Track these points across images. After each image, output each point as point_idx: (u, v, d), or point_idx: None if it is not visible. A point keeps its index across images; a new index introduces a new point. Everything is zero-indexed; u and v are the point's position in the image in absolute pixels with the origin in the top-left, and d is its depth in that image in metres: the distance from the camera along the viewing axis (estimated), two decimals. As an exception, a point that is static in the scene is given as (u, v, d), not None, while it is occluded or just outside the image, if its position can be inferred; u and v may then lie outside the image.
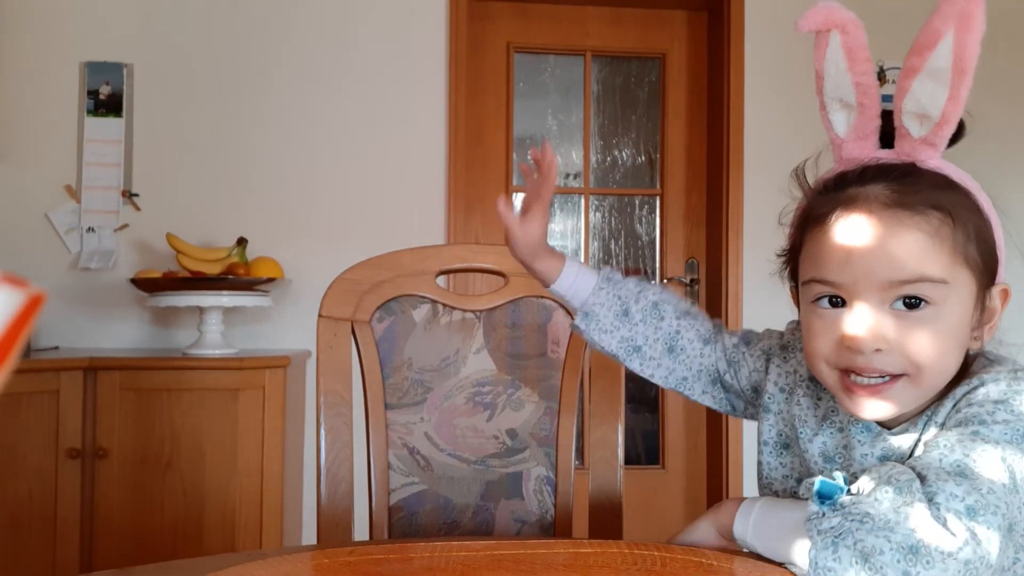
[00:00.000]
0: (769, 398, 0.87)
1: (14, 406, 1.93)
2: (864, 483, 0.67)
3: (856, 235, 0.71)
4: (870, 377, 0.72)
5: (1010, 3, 2.75)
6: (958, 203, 0.72)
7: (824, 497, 0.65)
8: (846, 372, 0.73)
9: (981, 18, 0.66)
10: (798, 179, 0.80)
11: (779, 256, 0.84)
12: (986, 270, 0.74)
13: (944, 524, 0.61)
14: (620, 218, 2.88)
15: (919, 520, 0.61)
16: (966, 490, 0.63)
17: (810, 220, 0.76)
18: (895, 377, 0.72)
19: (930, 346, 0.70)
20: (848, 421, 0.79)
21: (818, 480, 0.66)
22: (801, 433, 0.83)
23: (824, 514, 0.65)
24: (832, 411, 0.81)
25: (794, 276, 0.82)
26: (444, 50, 2.59)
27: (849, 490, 0.66)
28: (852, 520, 0.63)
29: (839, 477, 0.67)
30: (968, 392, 0.72)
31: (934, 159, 0.74)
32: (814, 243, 0.75)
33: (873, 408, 0.72)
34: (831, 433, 0.80)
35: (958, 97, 0.69)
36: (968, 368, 0.76)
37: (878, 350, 0.71)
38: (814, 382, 0.84)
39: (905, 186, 0.71)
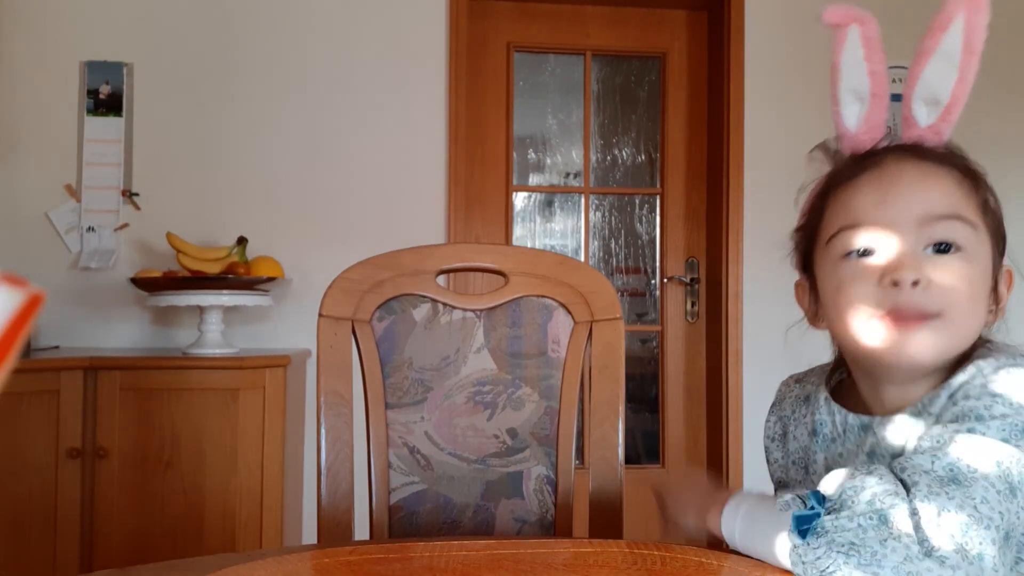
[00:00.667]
0: (767, 452, 0.90)
1: (14, 406, 1.93)
2: (843, 484, 0.64)
3: (890, 179, 0.73)
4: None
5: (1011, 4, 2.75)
6: (977, 171, 0.75)
7: (803, 525, 0.63)
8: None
9: (988, 2, 0.72)
10: (826, 150, 0.81)
11: (794, 233, 0.83)
12: (999, 241, 0.75)
13: (933, 552, 0.59)
14: (620, 217, 2.87)
15: (908, 550, 0.59)
16: (958, 503, 0.61)
17: (835, 183, 0.77)
18: (931, 317, 0.71)
19: (963, 286, 0.70)
20: (842, 426, 0.78)
21: (791, 516, 0.64)
22: (810, 457, 0.83)
23: (808, 544, 0.62)
24: (822, 424, 0.81)
25: (804, 265, 0.81)
26: (444, 50, 2.59)
27: (826, 505, 0.64)
28: (838, 553, 0.60)
29: (811, 498, 0.64)
30: (966, 382, 0.70)
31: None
32: (841, 200, 0.76)
33: (921, 341, 0.71)
34: (825, 445, 0.81)
35: (967, 79, 0.73)
36: (970, 355, 0.74)
37: (916, 282, 0.70)
38: (800, 408, 0.85)
39: (926, 149, 0.75)
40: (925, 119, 0.75)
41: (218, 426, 2.02)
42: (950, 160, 0.74)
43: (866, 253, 0.73)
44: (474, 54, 2.71)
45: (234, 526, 2.02)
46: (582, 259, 2.81)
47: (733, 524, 0.73)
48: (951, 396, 0.70)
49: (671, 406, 2.82)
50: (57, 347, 2.38)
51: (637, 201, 2.88)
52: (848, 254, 0.74)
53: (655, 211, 2.86)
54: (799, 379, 0.90)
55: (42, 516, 1.96)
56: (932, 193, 0.72)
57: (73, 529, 1.99)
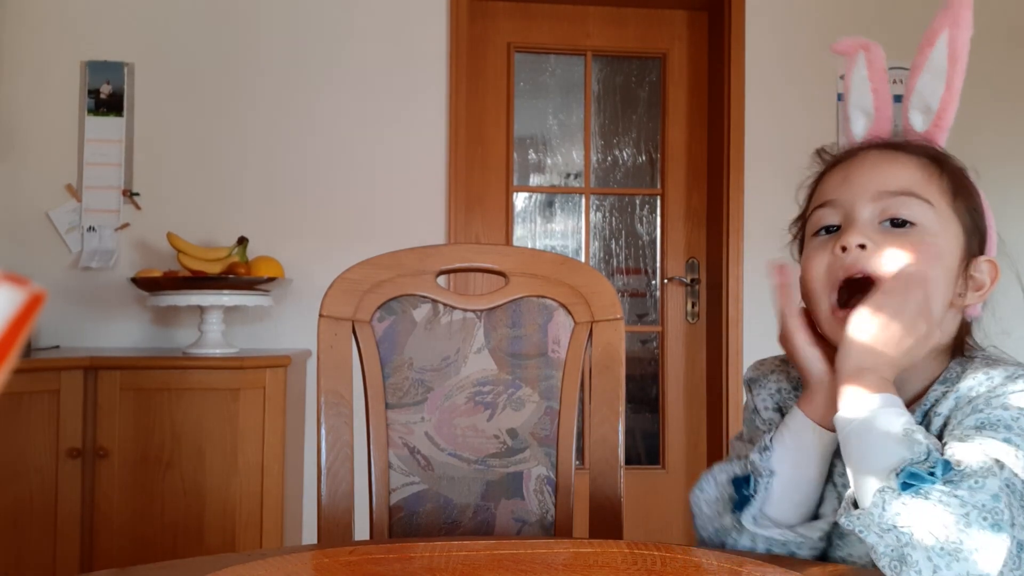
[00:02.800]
0: (756, 420, 0.90)
1: (14, 406, 1.93)
2: (971, 463, 0.63)
3: (855, 163, 0.81)
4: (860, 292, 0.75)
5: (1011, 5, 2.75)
6: (948, 161, 0.80)
7: (911, 478, 0.63)
8: (839, 297, 0.77)
9: (970, 18, 0.79)
10: (820, 155, 0.88)
11: (791, 225, 0.90)
12: (974, 229, 0.79)
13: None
14: (621, 218, 2.87)
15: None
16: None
17: (821, 176, 0.85)
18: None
19: (913, 256, 0.74)
20: None
21: (907, 467, 0.63)
22: None
23: (900, 496, 0.62)
24: None
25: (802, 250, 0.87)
26: (444, 50, 2.59)
27: (948, 475, 0.62)
28: (922, 530, 0.61)
29: (939, 465, 0.63)
30: (975, 388, 0.71)
31: None
32: (819, 186, 0.84)
33: None
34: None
35: (953, 87, 0.80)
36: (969, 361, 0.77)
37: (862, 246, 0.76)
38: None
39: (895, 140, 0.83)
40: (921, 126, 0.82)
41: (218, 426, 2.02)
42: (916, 148, 0.80)
43: (831, 229, 0.80)
44: (474, 54, 2.71)
45: (234, 526, 2.02)
46: (582, 260, 2.81)
47: (856, 408, 0.70)
48: (958, 400, 0.72)
49: (671, 406, 2.82)
50: (57, 347, 2.37)
51: (637, 201, 2.88)
52: (818, 232, 0.81)
53: (655, 211, 2.86)
54: (784, 359, 0.91)
55: (42, 516, 1.96)
56: (889, 172, 0.78)
57: (73, 529, 1.99)
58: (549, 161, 2.87)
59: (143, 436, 2.01)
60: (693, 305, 2.82)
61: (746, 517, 0.77)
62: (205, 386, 2.03)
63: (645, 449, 2.85)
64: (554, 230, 2.87)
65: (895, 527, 0.62)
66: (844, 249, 0.76)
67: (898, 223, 0.76)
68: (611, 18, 2.80)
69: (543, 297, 1.13)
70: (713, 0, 2.75)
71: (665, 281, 2.83)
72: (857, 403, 0.70)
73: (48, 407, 1.97)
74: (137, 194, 2.50)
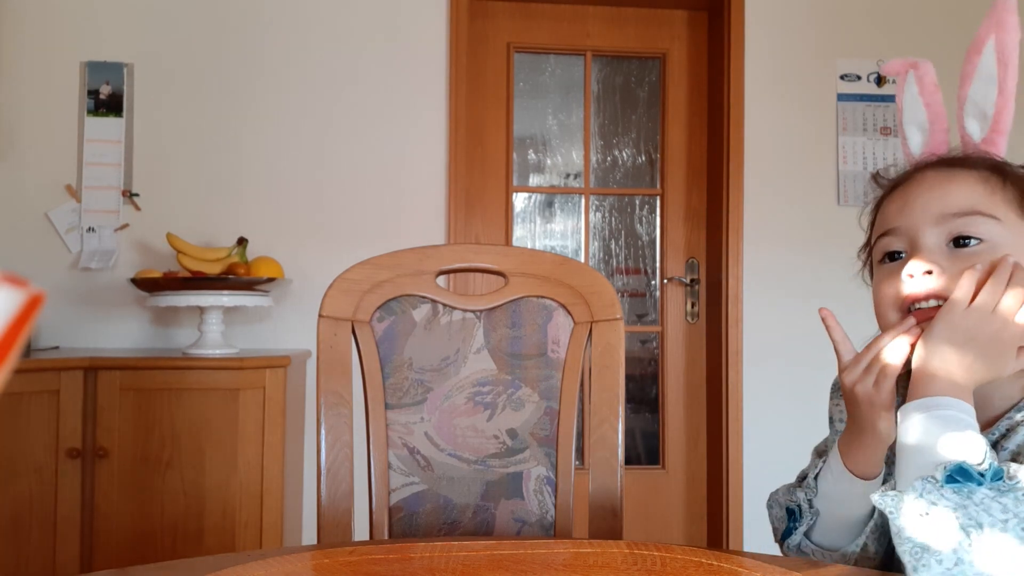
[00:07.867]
0: (834, 434, 0.90)
1: (14, 406, 1.93)
2: (1020, 471, 0.62)
3: (913, 187, 0.80)
4: (926, 304, 0.75)
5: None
6: (1010, 169, 0.78)
7: (958, 475, 0.62)
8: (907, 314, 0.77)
9: (1015, 22, 0.79)
10: (875, 179, 0.88)
11: (860, 252, 0.89)
12: None
13: None
14: (620, 218, 2.87)
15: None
16: None
17: (880, 200, 0.84)
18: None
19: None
20: None
21: (955, 463, 0.62)
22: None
23: (941, 489, 0.61)
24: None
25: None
26: (444, 50, 2.59)
27: (996, 484, 0.61)
28: (958, 525, 0.60)
29: (990, 470, 0.62)
30: None
31: None
32: (879, 212, 0.83)
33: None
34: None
35: (1006, 89, 0.79)
36: None
37: (928, 272, 0.74)
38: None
39: (951, 156, 0.82)
40: (979, 134, 0.81)
41: (218, 426, 2.02)
42: (974, 161, 0.78)
43: (896, 256, 0.79)
44: (474, 54, 2.71)
45: (234, 526, 2.02)
46: (582, 260, 2.81)
47: (918, 411, 0.69)
48: None
49: (671, 406, 2.82)
50: (57, 347, 2.38)
51: (637, 202, 2.88)
52: (882, 260, 0.80)
53: (655, 212, 2.86)
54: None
55: (42, 516, 1.96)
56: (948, 192, 0.76)
57: (73, 529, 1.99)
58: (549, 161, 2.87)
59: (143, 436, 2.01)
60: (693, 305, 2.83)
61: (788, 546, 0.83)
62: (205, 386, 2.04)
63: (645, 449, 2.85)
64: (554, 230, 2.87)
65: (927, 515, 0.61)
66: (911, 275, 0.76)
67: (964, 243, 0.75)
68: (611, 18, 2.80)
69: (543, 297, 1.13)
70: (713, 0, 2.75)
71: (665, 281, 2.83)
72: (930, 400, 0.68)
73: (48, 407, 1.97)
74: (137, 194, 2.50)
